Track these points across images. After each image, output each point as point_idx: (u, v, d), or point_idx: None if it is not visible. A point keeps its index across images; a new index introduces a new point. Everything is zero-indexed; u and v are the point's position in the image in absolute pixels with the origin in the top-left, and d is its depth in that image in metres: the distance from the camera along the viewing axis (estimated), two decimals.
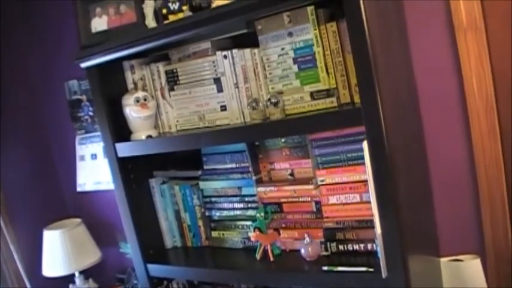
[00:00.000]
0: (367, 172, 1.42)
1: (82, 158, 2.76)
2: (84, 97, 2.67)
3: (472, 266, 1.75)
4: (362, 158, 1.59)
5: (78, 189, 2.80)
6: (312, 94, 1.62)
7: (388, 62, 1.50)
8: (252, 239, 1.79)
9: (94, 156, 2.70)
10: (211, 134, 1.75)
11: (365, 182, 1.61)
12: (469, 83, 1.70)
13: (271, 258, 1.76)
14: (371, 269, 1.51)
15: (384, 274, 1.44)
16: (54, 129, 2.89)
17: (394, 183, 1.39)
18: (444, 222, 1.86)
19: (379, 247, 1.57)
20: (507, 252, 1.74)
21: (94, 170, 2.71)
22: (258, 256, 1.79)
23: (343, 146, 1.67)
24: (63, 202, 2.95)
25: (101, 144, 2.60)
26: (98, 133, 2.61)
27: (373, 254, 1.62)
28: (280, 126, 1.61)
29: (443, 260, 1.80)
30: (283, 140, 1.80)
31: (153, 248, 2.05)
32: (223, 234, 1.99)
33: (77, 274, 2.62)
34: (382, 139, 1.36)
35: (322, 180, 1.71)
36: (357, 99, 1.56)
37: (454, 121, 1.78)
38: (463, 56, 1.69)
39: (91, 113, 2.66)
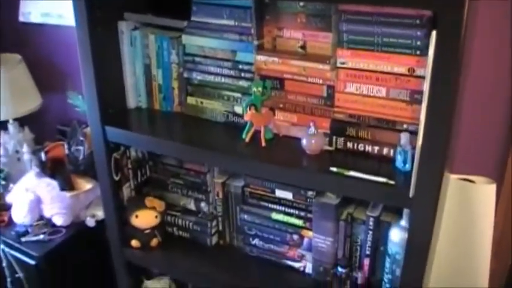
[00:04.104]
0: (427, 67, 1.11)
1: None
2: None
3: (485, 190, 1.54)
4: (401, 46, 1.29)
5: (21, 18, 2.32)
6: None
7: None
8: (246, 118, 1.47)
9: None
10: None
11: (397, 75, 1.31)
12: None
13: (263, 143, 1.47)
14: (392, 182, 1.25)
15: (411, 193, 1.19)
16: None
17: (457, 87, 1.10)
18: (465, 137, 1.64)
19: (399, 155, 1.31)
20: None
21: None
22: (246, 138, 1.50)
23: (381, 27, 1.30)
24: (0, 32, 2.45)
25: None
26: None
27: (388, 161, 1.35)
28: None
29: (454, 176, 1.58)
30: (301, 3, 1.43)
31: (112, 106, 1.69)
32: (201, 102, 1.66)
33: (10, 121, 2.26)
34: (460, 29, 1.03)
35: (343, 63, 1.38)
36: None
37: None
38: None
39: None
